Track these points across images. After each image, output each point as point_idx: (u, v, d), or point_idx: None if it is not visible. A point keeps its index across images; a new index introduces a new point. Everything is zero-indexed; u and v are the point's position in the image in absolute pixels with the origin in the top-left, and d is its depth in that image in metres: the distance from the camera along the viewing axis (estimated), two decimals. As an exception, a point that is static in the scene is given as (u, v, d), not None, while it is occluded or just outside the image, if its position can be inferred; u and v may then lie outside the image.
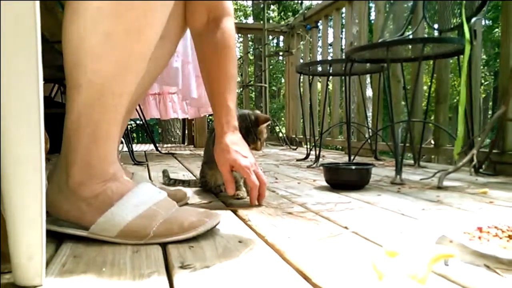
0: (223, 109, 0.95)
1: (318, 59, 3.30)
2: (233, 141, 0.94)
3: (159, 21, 0.69)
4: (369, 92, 3.76)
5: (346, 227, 0.74)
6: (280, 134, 3.73)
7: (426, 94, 1.91)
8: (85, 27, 0.62)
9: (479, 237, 0.63)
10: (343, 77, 2.01)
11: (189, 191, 1.02)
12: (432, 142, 2.12)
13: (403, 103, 2.25)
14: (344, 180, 1.19)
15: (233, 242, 0.65)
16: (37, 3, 0.43)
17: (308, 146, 2.17)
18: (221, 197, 1.07)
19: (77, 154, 0.66)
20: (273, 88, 11.12)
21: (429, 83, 1.86)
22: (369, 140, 2.16)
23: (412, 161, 1.92)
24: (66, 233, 0.67)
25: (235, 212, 0.89)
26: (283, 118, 4.17)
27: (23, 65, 0.43)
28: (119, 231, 0.65)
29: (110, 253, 0.60)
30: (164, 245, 0.64)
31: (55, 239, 0.66)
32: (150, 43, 0.69)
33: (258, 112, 1.12)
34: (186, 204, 0.97)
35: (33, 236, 0.47)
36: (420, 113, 2.06)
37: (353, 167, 1.25)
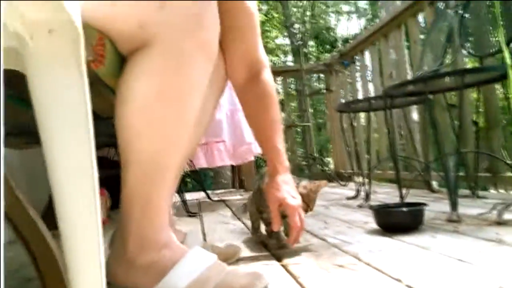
0: (273, 152, 1.02)
1: (359, 94, 3.29)
2: (285, 181, 1.00)
3: (198, 96, 0.75)
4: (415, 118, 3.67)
5: (399, 280, 0.72)
6: (327, 169, 3.69)
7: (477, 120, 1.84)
8: (132, 112, 0.69)
9: (543, 286, 0.59)
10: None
11: (240, 244, 1.05)
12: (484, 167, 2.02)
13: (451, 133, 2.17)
14: (396, 223, 1.16)
15: (285, 304, 0.66)
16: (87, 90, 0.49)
17: (358, 182, 2.14)
18: (271, 249, 1.08)
19: (131, 227, 0.71)
20: (320, 120, 11.10)
21: (476, 111, 1.80)
22: (421, 173, 2.09)
23: (469, 192, 1.83)
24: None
25: (285, 267, 0.89)
26: (332, 150, 4.13)
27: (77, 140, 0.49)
28: (176, 297, 0.68)
29: (168, 322, 0.63)
30: (218, 310, 0.66)
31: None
32: (191, 118, 0.75)
33: (307, 184, 1.11)
34: (238, 260, 0.99)
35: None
36: (471, 143, 1.97)
37: (405, 208, 1.21)
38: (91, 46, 0.66)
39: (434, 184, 2.26)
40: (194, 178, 3.27)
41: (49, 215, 0.54)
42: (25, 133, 0.93)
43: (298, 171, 4.00)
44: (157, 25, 0.67)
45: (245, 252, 1.06)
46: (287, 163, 1.03)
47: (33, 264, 0.59)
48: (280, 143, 1.02)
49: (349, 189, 2.67)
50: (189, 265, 0.71)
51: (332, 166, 4.04)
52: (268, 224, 1.14)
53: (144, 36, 0.67)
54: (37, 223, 0.59)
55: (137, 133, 0.69)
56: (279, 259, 0.97)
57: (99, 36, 0.66)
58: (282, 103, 3.94)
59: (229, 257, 0.98)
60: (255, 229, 1.21)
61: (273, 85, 1.04)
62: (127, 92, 0.69)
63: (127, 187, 0.71)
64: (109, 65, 0.70)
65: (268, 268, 0.90)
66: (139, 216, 0.71)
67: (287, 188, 0.99)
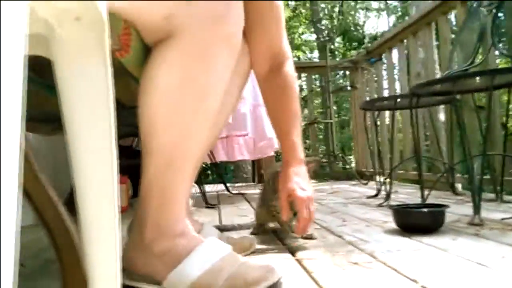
0: (289, 144, 1.03)
1: (384, 93, 3.23)
2: (296, 172, 1.01)
3: (220, 88, 0.76)
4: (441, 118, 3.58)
5: (415, 281, 0.71)
6: (348, 167, 3.65)
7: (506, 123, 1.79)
8: (154, 102, 0.70)
9: None
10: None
11: (254, 238, 1.05)
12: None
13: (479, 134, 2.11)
14: (416, 223, 1.14)
15: (297, 298, 0.66)
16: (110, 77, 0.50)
17: (379, 182, 2.11)
18: (287, 244, 1.08)
19: (148, 215, 0.73)
20: (344, 117, 10.99)
21: (506, 113, 1.75)
22: (444, 175, 2.05)
23: (494, 195, 1.78)
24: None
25: (300, 261, 0.89)
26: (354, 148, 4.09)
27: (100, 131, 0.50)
28: (188, 287, 0.69)
29: (181, 308, 0.64)
30: (231, 300, 0.66)
31: (132, 292, 0.72)
32: (213, 110, 0.75)
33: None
34: (253, 252, 1.00)
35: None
36: (499, 145, 1.92)
37: (425, 209, 1.19)
38: (117, 36, 0.67)
39: (458, 186, 2.21)
40: (214, 171, 3.29)
41: (72, 203, 0.56)
42: (53, 120, 0.96)
43: (319, 169, 3.98)
44: (182, 17, 0.68)
45: (260, 245, 1.06)
46: (302, 156, 1.04)
47: (53, 247, 0.61)
48: (297, 136, 1.03)
49: (370, 188, 2.64)
50: (203, 255, 0.72)
51: (353, 164, 3.99)
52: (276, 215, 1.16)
53: (169, 28, 0.68)
54: (58, 207, 0.61)
55: (158, 123, 0.71)
56: (293, 253, 0.98)
57: (125, 26, 0.68)
58: (305, 99, 3.92)
59: (244, 249, 0.99)
60: (259, 225, 1.23)
61: (294, 77, 1.05)
62: (150, 82, 0.71)
63: (147, 176, 0.73)
64: (134, 54, 0.71)
65: (282, 262, 0.90)
66: (157, 204, 0.73)
67: (298, 180, 1.00)
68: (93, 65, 0.50)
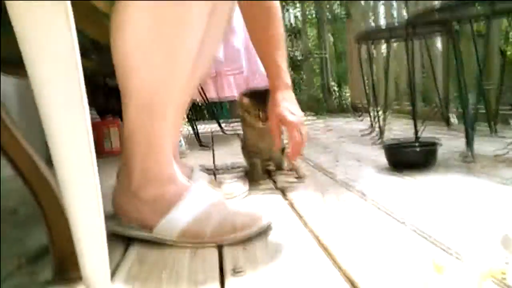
0: (273, 68, 1.01)
1: (380, 23, 3.10)
2: (284, 97, 1.00)
3: (197, 26, 0.70)
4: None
5: (403, 223, 0.72)
6: (344, 102, 3.62)
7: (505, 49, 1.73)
8: (128, 40, 0.66)
9: (552, 234, 0.57)
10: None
11: (246, 180, 1.05)
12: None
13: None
14: (407, 161, 1.14)
15: (285, 244, 0.66)
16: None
17: (374, 116, 2.08)
18: (279, 184, 1.08)
19: (134, 161, 0.71)
20: (342, 49, 10.73)
21: (505, 40, 1.68)
22: (439, 108, 2.02)
23: (488, 128, 1.76)
24: (132, 236, 0.73)
25: (291, 205, 0.90)
26: (350, 81, 4.01)
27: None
28: (178, 233, 0.69)
29: (170, 257, 0.65)
30: (219, 247, 0.67)
31: (124, 241, 0.72)
32: (191, 49, 0.71)
33: None
34: (245, 195, 1.00)
35: (96, 249, 0.52)
36: (496, 75, 1.87)
37: (417, 148, 1.18)
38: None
39: (453, 119, 2.19)
40: (208, 110, 3.25)
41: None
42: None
43: (315, 103, 3.95)
44: None
45: (252, 186, 1.06)
46: (288, 80, 1.02)
47: (35, 201, 0.60)
48: (282, 60, 1.00)
49: (365, 123, 2.63)
50: (192, 201, 0.72)
51: (349, 98, 3.95)
52: (265, 160, 1.18)
53: None
54: (35, 159, 0.59)
55: (133, 65, 0.67)
56: (285, 194, 0.98)
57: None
58: (298, 31, 3.77)
59: (236, 193, 0.99)
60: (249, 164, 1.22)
61: (276, 1, 1.01)
62: (121, 19, 0.66)
63: (129, 120, 0.70)
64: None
65: (273, 203, 0.91)
66: (142, 149, 0.71)
67: (286, 105, 0.98)
68: (51, 12, 0.45)
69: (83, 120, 0.48)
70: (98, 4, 0.68)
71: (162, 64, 0.68)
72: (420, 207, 0.80)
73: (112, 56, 0.68)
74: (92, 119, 0.50)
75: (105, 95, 2.27)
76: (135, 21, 0.65)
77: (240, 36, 2.30)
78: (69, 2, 0.45)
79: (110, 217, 0.82)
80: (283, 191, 1.00)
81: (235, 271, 0.56)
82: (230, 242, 0.67)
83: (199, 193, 0.74)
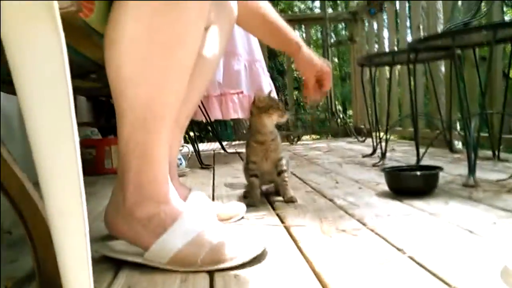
0: (287, 42, 1.14)
1: (384, 46, 3.12)
2: (308, 52, 1.16)
3: (192, 41, 0.71)
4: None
5: (401, 250, 0.70)
6: (346, 124, 3.61)
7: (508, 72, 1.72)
8: (121, 55, 0.65)
9: (554, 268, 0.55)
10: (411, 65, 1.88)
11: (243, 205, 1.03)
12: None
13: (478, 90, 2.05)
14: (408, 187, 1.12)
15: (279, 271, 0.64)
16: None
17: (376, 139, 2.07)
18: (276, 209, 1.07)
19: (129, 177, 0.70)
20: (346, 69, 10.78)
21: (510, 62, 1.67)
22: (442, 132, 2.01)
23: (491, 153, 1.74)
24: (123, 259, 0.71)
25: (288, 229, 0.88)
26: (353, 103, 4.01)
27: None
28: (170, 259, 0.67)
29: (160, 283, 0.63)
30: (211, 273, 0.65)
31: (114, 264, 0.71)
32: (186, 65, 0.71)
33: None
34: (241, 218, 0.98)
35: (81, 274, 0.50)
36: (500, 99, 1.86)
37: (418, 172, 1.16)
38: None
39: (457, 144, 2.18)
40: (211, 129, 3.26)
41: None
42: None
43: (317, 124, 3.94)
44: None
45: (249, 211, 1.04)
46: (302, 42, 1.16)
47: (22, 223, 0.58)
48: (290, 31, 1.13)
49: (367, 146, 2.61)
50: (187, 225, 0.70)
51: (352, 120, 3.95)
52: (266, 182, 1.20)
53: None
54: (22, 180, 0.58)
55: (128, 78, 0.67)
56: (282, 219, 0.96)
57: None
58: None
59: (233, 215, 0.97)
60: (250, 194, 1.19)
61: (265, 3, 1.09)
62: (114, 34, 0.66)
63: (123, 136, 0.69)
64: (98, 12, 0.66)
65: (269, 229, 0.89)
66: (136, 165, 0.70)
67: (315, 57, 1.16)
68: (42, 32, 0.45)
69: (71, 143, 0.47)
70: (95, 25, 0.68)
71: (155, 79, 0.67)
72: (419, 236, 0.78)
73: (106, 72, 0.68)
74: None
75: (107, 114, 2.28)
76: (128, 35, 0.65)
77: (243, 58, 2.32)
78: (60, 22, 0.45)
79: (102, 239, 0.81)
80: (280, 217, 0.99)
81: (225, 300, 0.55)
82: (222, 269, 0.66)
83: (193, 216, 0.72)
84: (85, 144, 2.06)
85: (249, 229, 0.90)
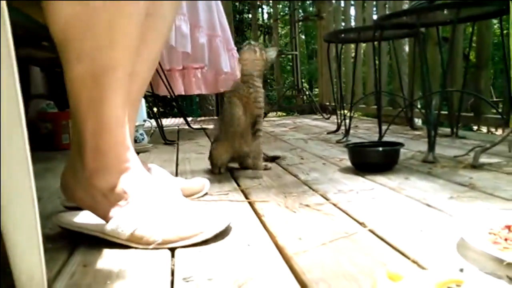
0: None
1: (351, 24, 3.13)
2: None
3: None
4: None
5: (363, 223, 0.71)
6: (312, 101, 3.63)
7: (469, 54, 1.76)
8: (65, 5, 0.61)
9: (506, 239, 0.57)
10: (375, 43, 1.89)
11: (207, 181, 1.02)
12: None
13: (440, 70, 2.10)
14: (370, 162, 1.14)
15: (242, 246, 0.64)
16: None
17: (339, 118, 2.10)
18: (241, 184, 1.06)
19: (86, 139, 0.67)
20: (313, 46, 10.78)
21: (470, 45, 1.72)
22: (403, 110, 2.05)
23: (450, 131, 1.80)
24: (81, 232, 0.68)
25: (252, 204, 0.87)
26: (319, 80, 4.03)
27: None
28: (130, 235, 0.65)
29: (119, 261, 0.61)
30: (173, 249, 0.64)
31: (71, 241, 0.68)
32: (134, 16, 0.67)
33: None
34: (205, 194, 0.97)
35: (32, 256, 0.48)
36: (460, 79, 1.92)
37: (380, 148, 1.18)
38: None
39: (417, 121, 2.24)
40: (175, 104, 3.19)
41: None
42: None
43: (284, 101, 3.95)
44: None
45: (214, 187, 1.03)
46: None
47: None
48: None
49: (332, 123, 2.65)
50: (149, 200, 0.68)
51: (318, 98, 3.98)
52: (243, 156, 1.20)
53: None
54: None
55: (72, 36, 0.63)
56: (246, 195, 0.95)
57: None
58: (270, 30, 3.75)
59: (194, 192, 0.96)
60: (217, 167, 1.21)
61: None
62: None
63: (73, 92, 0.66)
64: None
65: (234, 204, 0.88)
66: (92, 127, 0.66)
67: None
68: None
69: (18, 116, 0.43)
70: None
71: (100, 28, 0.63)
72: (380, 210, 0.79)
73: (49, 28, 0.63)
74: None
75: (64, 87, 2.17)
76: None
77: (204, 30, 2.25)
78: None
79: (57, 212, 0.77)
80: (244, 193, 0.98)
81: (187, 280, 0.53)
82: (185, 245, 0.64)
83: (156, 190, 0.70)
84: (41, 117, 1.96)
85: (213, 205, 0.89)
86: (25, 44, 1.08)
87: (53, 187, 1.02)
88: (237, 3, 5.82)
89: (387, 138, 1.63)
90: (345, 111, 2.05)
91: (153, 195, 0.69)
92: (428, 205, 0.80)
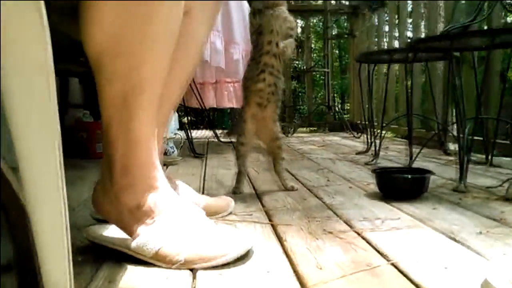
0: None
1: (383, 44, 3.10)
2: None
3: (172, 17, 0.70)
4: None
5: (386, 256, 0.70)
6: (342, 118, 3.61)
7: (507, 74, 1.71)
8: (99, 30, 0.65)
9: (535, 285, 0.55)
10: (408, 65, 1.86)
11: (232, 200, 1.03)
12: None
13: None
14: (398, 189, 1.12)
15: (261, 272, 0.64)
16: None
17: (370, 137, 2.07)
18: (265, 205, 1.06)
19: (115, 158, 0.69)
20: (346, 61, 10.70)
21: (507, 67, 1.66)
22: (436, 134, 2.01)
23: (484, 158, 1.75)
24: (108, 247, 0.71)
25: (274, 227, 0.88)
26: (351, 98, 4.00)
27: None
28: (154, 253, 0.67)
29: (142, 279, 0.63)
30: (194, 271, 0.65)
31: (98, 255, 0.70)
32: (161, 36, 0.69)
33: None
34: (229, 214, 0.98)
35: (59, 267, 0.49)
36: (496, 102, 1.85)
37: (409, 176, 1.16)
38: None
39: (451, 145, 2.18)
40: (206, 117, 3.23)
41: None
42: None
43: (314, 117, 3.93)
44: None
45: (238, 207, 1.04)
46: None
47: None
48: None
49: (362, 142, 2.62)
50: (173, 219, 0.69)
51: (349, 115, 3.94)
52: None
53: None
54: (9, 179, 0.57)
55: (104, 50, 0.66)
56: (270, 217, 0.96)
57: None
58: (301, 45, 3.77)
59: (221, 210, 0.97)
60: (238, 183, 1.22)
61: None
62: (90, 12, 0.65)
63: (105, 114, 0.69)
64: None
65: (256, 226, 0.89)
66: (122, 147, 0.69)
67: None
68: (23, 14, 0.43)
69: (53, 131, 0.45)
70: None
71: (131, 50, 0.66)
72: (404, 243, 0.78)
73: (84, 49, 0.67)
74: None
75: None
76: (105, 10, 0.64)
77: (241, 47, 2.29)
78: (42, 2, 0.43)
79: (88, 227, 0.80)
80: (268, 214, 0.98)
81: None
82: (206, 268, 0.65)
83: (181, 210, 0.72)
84: (76, 126, 2.05)
85: (236, 226, 0.90)
86: (64, 60, 1.14)
87: (82, 196, 1.06)
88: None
89: (418, 163, 1.60)
90: (376, 130, 2.03)
91: (178, 215, 0.70)
92: (455, 240, 0.78)
